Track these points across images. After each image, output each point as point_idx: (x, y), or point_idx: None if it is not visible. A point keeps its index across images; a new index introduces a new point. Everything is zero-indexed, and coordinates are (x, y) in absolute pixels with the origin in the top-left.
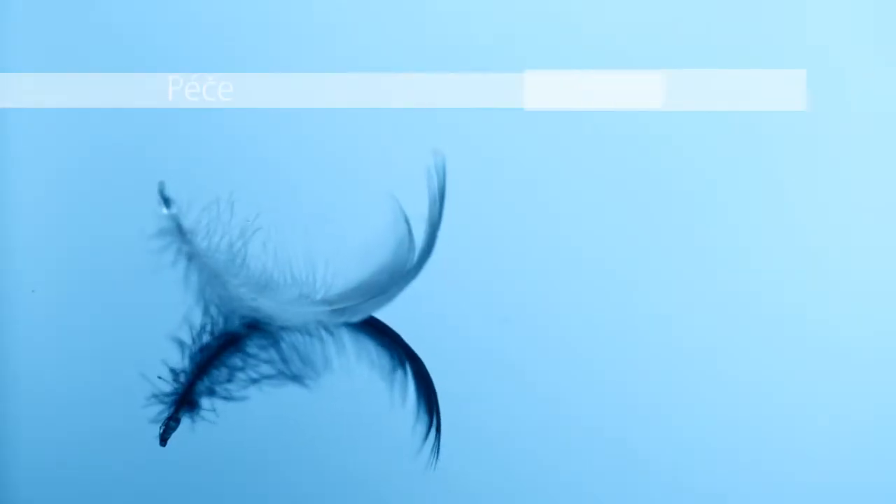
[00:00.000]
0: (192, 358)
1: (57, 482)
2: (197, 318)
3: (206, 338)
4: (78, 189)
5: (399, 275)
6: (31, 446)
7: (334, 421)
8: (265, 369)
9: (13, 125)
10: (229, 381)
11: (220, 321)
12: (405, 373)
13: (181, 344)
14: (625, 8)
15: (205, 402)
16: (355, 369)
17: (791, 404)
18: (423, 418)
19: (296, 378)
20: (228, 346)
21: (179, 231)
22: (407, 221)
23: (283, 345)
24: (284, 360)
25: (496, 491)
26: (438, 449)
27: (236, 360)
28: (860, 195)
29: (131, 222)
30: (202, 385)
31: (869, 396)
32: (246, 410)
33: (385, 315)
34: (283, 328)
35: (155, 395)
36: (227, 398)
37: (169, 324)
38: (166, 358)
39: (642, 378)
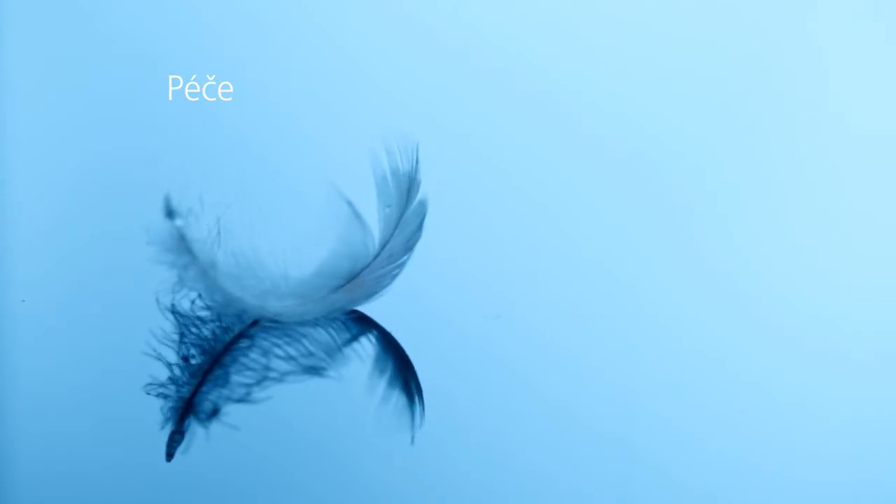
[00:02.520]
0: (193, 368)
1: (55, 488)
2: (199, 324)
3: (210, 345)
4: (77, 190)
5: (361, 258)
6: (27, 453)
7: (353, 410)
8: (285, 366)
9: (13, 125)
10: (252, 383)
11: (229, 325)
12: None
13: (179, 355)
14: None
15: (226, 408)
16: (370, 357)
17: (790, 404)
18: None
19: (318, 371)
20: (241, 350)
21: (184, 241)
22: (350, 204)
23: (305, 340)
24: (305, 355)
25: (488, 485)
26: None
27: (253, 363)
28: (859, 195)
29: (132, 223)
30: (220, 392)
31: (869, 396)
32: (255, 411)
33: (379, 312)
34: (298, 323)
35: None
36: (251, 401)
37: (168, 330)
38: (169, 368)
39: (637, 375)
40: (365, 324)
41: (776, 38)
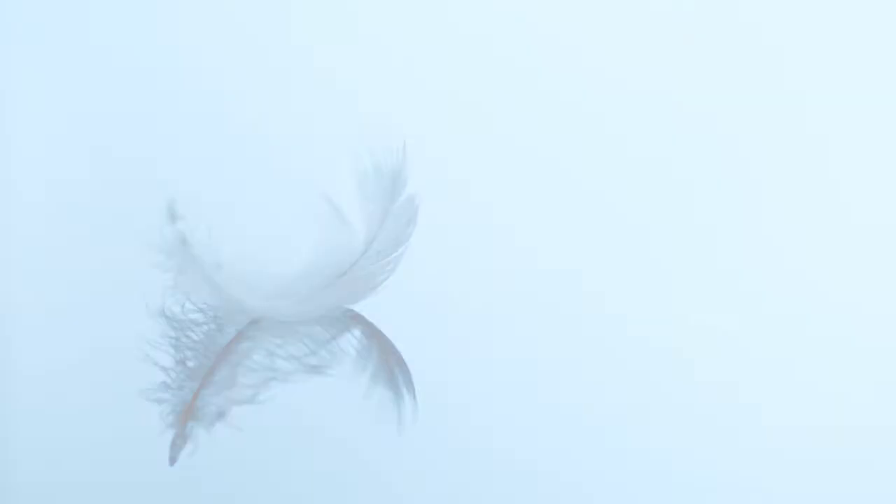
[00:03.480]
0: (191, 371)
1: (57, 490)
2: (193, 327)
3: (206, 347)
4: (76, 190)
5: (348, 256)
6: (29, 454)
7: (356, 409)
8: (287, 366)
9: (13, 126)
10: (257, 384)
11: (223, 326)
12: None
13: (179, 357)
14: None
15: (227, 411)
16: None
17: (790, 404)
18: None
19: (320, 370)
20: (242, 351)
21: (186, 244)
22: (332, 202)
23: (306, 339)
24: (307, 354)
25: (489, 485)
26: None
27: (256, 364)
28: (859, 195)
29: (131, 224)
30: (225, 395)
31: (869, 396)
32: (257, 412)
33: (377, 310)
34: (298, 322)
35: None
36: (256, 403)
37: (164, 334)
38: (165, 373)
39: (637, 374)
40: (358, 321)
41: (776, 38)
